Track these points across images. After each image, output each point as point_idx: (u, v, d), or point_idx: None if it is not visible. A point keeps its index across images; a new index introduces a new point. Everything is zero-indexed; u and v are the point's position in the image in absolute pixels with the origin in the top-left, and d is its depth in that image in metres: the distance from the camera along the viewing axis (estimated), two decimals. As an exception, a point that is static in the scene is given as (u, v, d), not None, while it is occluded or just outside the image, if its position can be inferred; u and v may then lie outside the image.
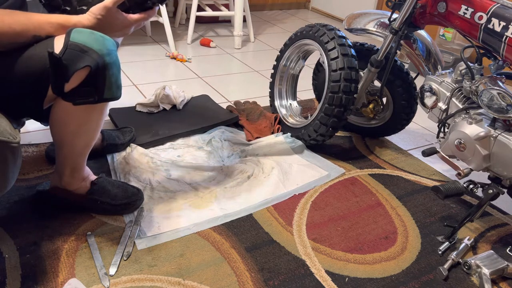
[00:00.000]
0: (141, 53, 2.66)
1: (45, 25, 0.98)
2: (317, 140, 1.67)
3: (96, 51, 0.99)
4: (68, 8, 1.06)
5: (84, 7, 1.06)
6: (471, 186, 1.29)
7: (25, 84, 0.99)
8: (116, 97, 1.08)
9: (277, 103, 1.91)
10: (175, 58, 2.62)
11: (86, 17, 1.03)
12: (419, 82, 2.36)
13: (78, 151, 1.17)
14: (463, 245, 1.27)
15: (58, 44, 0.97)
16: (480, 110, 1.31)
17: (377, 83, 1.78)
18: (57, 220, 1.24)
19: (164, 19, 2.67)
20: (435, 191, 1.28)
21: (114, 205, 1.26)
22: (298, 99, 1.99)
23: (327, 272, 1.17)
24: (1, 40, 0.94)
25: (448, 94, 1.41)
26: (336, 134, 1.81)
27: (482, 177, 1.67)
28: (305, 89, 2.32)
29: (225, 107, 1.97)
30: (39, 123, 1.27)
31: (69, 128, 1.10)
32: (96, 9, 1.02)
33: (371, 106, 1.73)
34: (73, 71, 0.98)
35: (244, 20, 3.05)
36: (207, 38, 2.93)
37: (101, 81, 1.03)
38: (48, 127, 1.14)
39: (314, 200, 1.44)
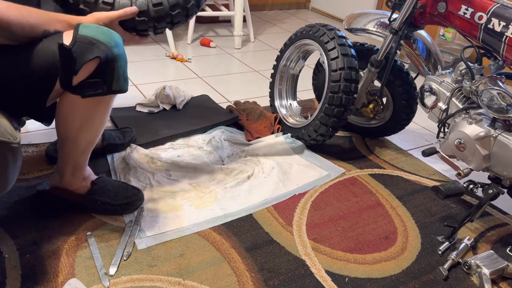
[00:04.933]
0: (141, 53, 2.67)
1: (54, 21, 1.01)
2: (317, 140, 1.67)
3: (105, 43, 1.01)
4: (71, 1, 1.09)
5: (87, 9, 1.10)
6: (471, 186, 1.29)
7: (32, 79, 1.00)
8: (124, 89, 1.10)
9: (277, 103, 1.91)
10: (175, 58, 2.62)
11: (89, 19, 1.06)
12: (419, 82, 2.36)
13: (82, 148, 1.17)
14: (463, 245, 1.27)
15: (67, 38, 0.99)
16: (480, 110, 1.31)
17: (377, 83, 1.78)
18: (57, 220, 1.24)
19: (164, 19, 2.67)
20: (435, 191, 1.28)
21: (114, 205, 1.26)
22: (298, 99, 1.99)
23: (327, 272, 1.17)
24: (17, 33, 0.95)
25: (448, 94, 1.41)
26: (336, 134, 1.81)
27: (482, 177, 1.67)
28: (305, 89, 2.32)
29: (225, 107, 1.97)
30: (39, 123, 1.27)
31: (75, 124, 1.11)
32: (100, 16, 1.06)
33: (371, 106, 1.73)
34: (82, 63, 0.99)
35: (244, 20, 3.05)
36: (207, 38, 2.93)
37: (110, 73, 1.05)
38: (48, 127, 1.14)
39: (314, 200, 1.44)
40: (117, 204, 1.26)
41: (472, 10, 1.29)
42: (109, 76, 1.05)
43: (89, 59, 0.99)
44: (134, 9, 1.10)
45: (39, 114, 1.13)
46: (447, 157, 1.37)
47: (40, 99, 1.05)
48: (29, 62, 0.99)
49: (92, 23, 1.05)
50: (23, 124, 1.18)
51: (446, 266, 1.20)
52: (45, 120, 1.16)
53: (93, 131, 1.16)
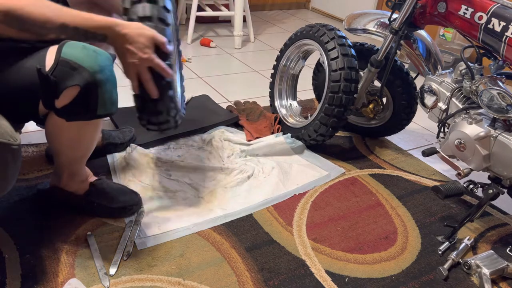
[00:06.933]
0: (141, 53, 2.66)
1: (82, 18, 0.95)
2: (317, 140, 1.67)
3: (87, 68, 0.95)
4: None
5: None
6: (471, 186, 1.29)
7: (17, 95, 0.98)
8: (111, 113, 1.04)
9: (277, 103, 1.91)
10: (175, 58, 2.62)
11: (132, 27, 1.00)
12: (419, 82, 2.36)
13: (75, 160, 1.18)
14: (463, 245, 1.27)
15: (50, 59, 0.95)
16: (480, 110, 1.31)
17: (377, 83, 1.78)
18: (57, 220, 1.24)
19: (164, 19, 2.66)
20: (435, 191, 1.28)
21: (111, 208, 1.25)
22: (298, 99, 1.99)
23: (327, 272, 1.17)
24: (28, 23, 0.89)
25: (448, 94, 1.41)
26: (336, 134, 1.81)
27: (482, 177, 1.66)
28: (305, 89, 2.32)
29: (225, 107, 1.97)
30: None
31: (64, 142, 1.10)
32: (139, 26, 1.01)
33: (371, 106, 1.73)
34: (62, 89, 0.95)
35: (244, 20, 3.05)
36: (207, 38, 2.93)
37: (93, 99, 0.99)
38: (48, 127, 1.14)
39: (314, 200, 1.44)
40: (113, 207, 1.25)
41: (472, 10, 1.29)
42: (93, 103, 0.99)
43: (69, 86, 0.94)
44: (164, 39, 1.04)
45: (36, 119, 1.12)
46: (447, 157, 1.37)
47: (32, 110, 1.02)
48: (12, 79, 0.96)
49: (134, 33, 0.99)
50: (22, 125, 1.17)
51: (446, 266, 1.20)
52: (43, 123, 1.16)
53: (83, 148, 1.15)
